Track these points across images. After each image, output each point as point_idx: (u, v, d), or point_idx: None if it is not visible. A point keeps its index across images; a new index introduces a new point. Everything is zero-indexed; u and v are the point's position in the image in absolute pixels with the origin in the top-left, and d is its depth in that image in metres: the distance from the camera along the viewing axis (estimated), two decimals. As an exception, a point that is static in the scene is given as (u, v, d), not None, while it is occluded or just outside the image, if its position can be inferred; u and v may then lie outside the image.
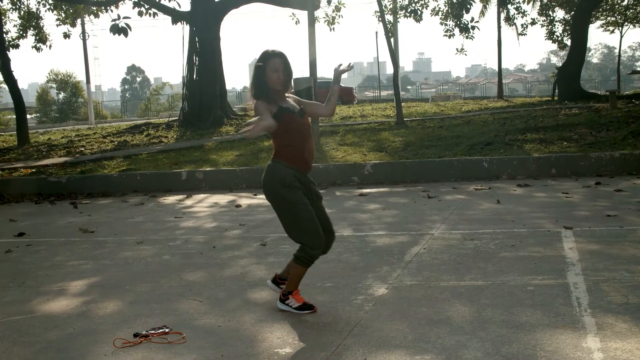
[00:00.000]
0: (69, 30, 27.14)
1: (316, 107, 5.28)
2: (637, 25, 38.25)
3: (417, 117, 22.67)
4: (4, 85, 23.14)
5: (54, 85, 62.40)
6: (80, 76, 61.46)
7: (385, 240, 7.57)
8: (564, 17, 35.98)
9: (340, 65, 5.15)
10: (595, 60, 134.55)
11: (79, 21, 30.70)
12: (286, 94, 5.14)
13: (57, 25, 26.68)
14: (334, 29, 26.79)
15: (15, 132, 24.37)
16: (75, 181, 14.08)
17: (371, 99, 55.08)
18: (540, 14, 35.43)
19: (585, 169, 11.88)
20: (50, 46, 27.05)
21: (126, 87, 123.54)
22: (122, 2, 25.71)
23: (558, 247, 6.71)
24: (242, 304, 5.45)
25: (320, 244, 4.97)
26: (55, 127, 39.59)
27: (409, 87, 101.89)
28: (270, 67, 4.97)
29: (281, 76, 4.99)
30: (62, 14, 26.59)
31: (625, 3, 36.35)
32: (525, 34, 36.17)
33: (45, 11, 26.59)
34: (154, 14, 24.80)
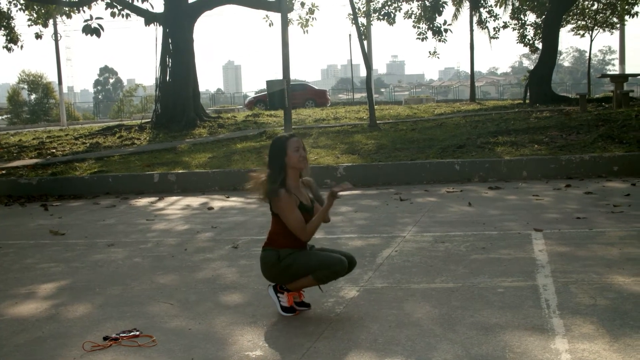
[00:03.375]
0: (40, 31, 26.88)
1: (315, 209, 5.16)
2: (607, 29, 38.59)
3: (390, 119, 22.73)
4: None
5: (25, 86, 61.82)
6: (52, 77, 61.04)
7: (357, 242, 7.59)
8: (535, 20, 36.16)
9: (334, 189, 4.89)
10: (566, 64, 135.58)
11: (51, 21, 30.40)
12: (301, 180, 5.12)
13: (29, 25, 26.36)
14: (307, 31, 26.79)
15: (-15, 134, 24.09)
16: (46, 183, 13.96)
17: (345, 101, 55.11)
18: (512, 18, 35.65)
19: (555, 171, 11.98)
20: (21, 46, 26.78)
21: (99, 88, 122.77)
22: (94, 2, 25.49)
23: (528, 249, 6.76)
24: (213, 307, 5.43)
25: (342, 262, 4.87)
26: (26, 128, 39.21)
27: (382, 90, 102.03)
28: (291, 147, 4.96)
29: (303, 153, 5.00)
30: (34, 14, 26.31)
31: (595, 7, 36.65)
32: (498, 38, 36.43)
33: (17, 11, 26.22)
34: (127, 15, 24.67)
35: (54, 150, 19.13)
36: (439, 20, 26.13)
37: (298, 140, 5.03)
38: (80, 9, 25.50)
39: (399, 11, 26.55)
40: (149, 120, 25.17)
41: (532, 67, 34.13)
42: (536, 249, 6.72)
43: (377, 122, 19.95)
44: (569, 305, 4.92)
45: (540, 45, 31.76)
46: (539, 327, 4.50)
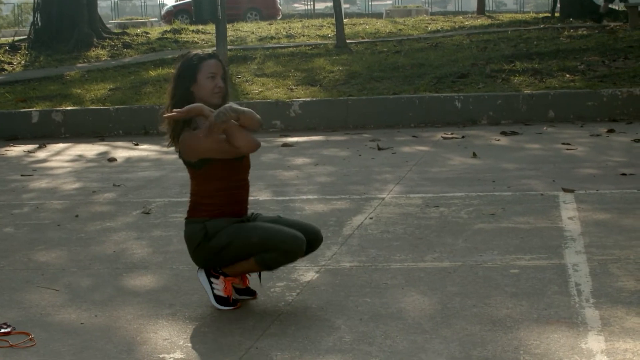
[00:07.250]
0: None
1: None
2: None
3: (365, 38, 22.72)
4: None
5: None
6: None
7: (317, 207, 7.63)
8: None
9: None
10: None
11: None
12: None
13: None
14: None
15: None
16: None
17: (302, 13, 54.97)
18: None
19: (594, 111, 12.07)
20: None
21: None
22: None
23: (554, 216, 6.85)
24: (115, 294, 5.44)
25: (295, 239, 4.78)
26: None
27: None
28: (204, 73, 4.84)
29: (220, 83, 4.88)
30: None
31: None
32: None
33: None
34: None
35: None
36: None
37: (217, 63, 4.92)
38: None
39: None
40: (25, 37, 24.89)
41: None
42: (565, 216, 6.81)
43: (347, 41, 19.94)
44: (607, 291, 4.99)
45: None
46: (565, 321, 4.56)
